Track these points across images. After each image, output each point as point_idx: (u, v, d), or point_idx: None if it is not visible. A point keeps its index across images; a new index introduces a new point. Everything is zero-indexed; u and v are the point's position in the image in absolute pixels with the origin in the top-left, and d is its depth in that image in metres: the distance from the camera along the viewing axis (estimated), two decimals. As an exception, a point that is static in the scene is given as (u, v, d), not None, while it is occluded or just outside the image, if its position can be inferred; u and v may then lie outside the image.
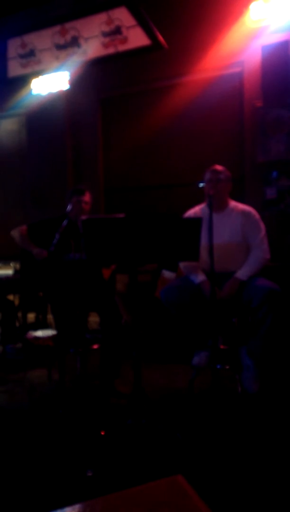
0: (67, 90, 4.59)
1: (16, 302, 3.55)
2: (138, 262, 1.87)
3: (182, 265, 2.56)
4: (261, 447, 1.80)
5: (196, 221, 1.80)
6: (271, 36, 3.60)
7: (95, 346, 2.69)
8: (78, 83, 4.56)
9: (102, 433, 1.90)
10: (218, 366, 2.46)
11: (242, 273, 2.35)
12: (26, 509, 1.42)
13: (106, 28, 3.99)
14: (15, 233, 2.66)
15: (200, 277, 2.39)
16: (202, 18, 4.02)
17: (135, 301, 2.03)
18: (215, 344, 2.26)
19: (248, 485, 1.52)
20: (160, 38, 3.89)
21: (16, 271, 4.01)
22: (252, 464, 1.67)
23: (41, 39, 4.29)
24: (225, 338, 2.63)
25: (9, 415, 2.14)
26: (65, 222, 2.54)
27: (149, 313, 3.18)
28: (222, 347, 2.59)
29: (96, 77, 4.59)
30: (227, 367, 2.49)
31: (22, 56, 4.45)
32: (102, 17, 3.95)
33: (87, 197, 2.66)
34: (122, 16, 3.87)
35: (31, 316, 4.01)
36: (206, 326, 2.41)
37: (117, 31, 3.96)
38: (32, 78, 4.57)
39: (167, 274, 3.37)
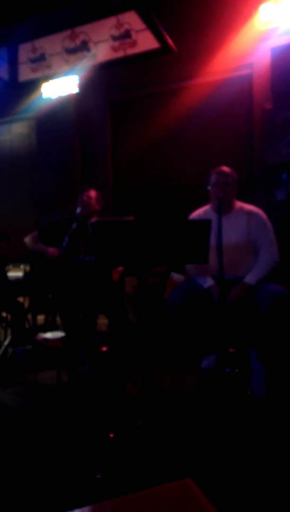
0: (77, 94, 4.63)
1: (26, 304, 3.58)
2: (147, 265, 1.87)
3: (188, 268, 2.53)
4: (270, 452, 1.78)
5: (205, 223, 1.79)
6: (281, 38, 3.58)
7: (104, 349, 2.69)
8: (87, 87, 4.60)
9: (111, 435, 1.90)
10: (227, 370, 2.44)
11: (250, 278, 2.32)
12: (35, 511, 1.43)
13: (115, 32, 4.02)
14: (27, 240, 2.71)
15: (208, 281, 2.37)
16: (211, 20, 4.02)
17: (143, 304, 2.03)
18: (224, 348, 2.25)
19: (257, 490, 1.51)
20: (169, 41, 3.91)
21: (26, 274, 4.05)
22: (261, 468, 1.65)
23: (52, 44, 4.33)
24: (234, 341, 2.61)
25: (19, 416, 2.15)
26: (74, 225, 2.56)
27: (158, 315, 3.17)
28: (231, 350, 2.57)
29: (105, 81, 4.62)
30: (236, 370, 2.47)
31: (32, 61, 4.50)
32: (111, 21, 3.98)
33: (90, 193, 2.71)
34: (131, 20, 3.89)
35: (40, 318, 4.04)
36: (214, 329, 2.39)
37: (127, 34, 3.99)
38: (42, 82, 4.62)
39: (176, 276, 3.37)
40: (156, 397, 2.28)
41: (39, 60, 4.48)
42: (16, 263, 4.58)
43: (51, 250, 2.56)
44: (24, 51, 4.47)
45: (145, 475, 1.60)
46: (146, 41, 3.94)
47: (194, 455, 1.74)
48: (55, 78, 4.55)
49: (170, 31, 4.01)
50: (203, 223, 1.80)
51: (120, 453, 1.76)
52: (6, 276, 3.66)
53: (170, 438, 1.87)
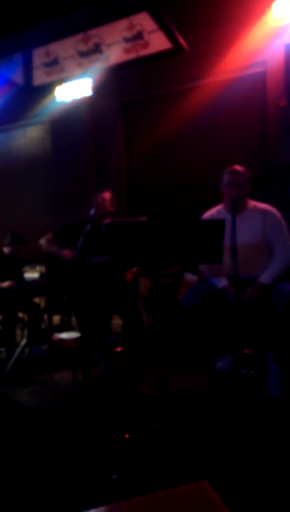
0: (90, 97, 4.67)
1: (42, 304, 3.62)
2: (161, 265, 1.87)
3: (202, 268, 2.52)
4: (287, 455, 1.75)
5: (219, 223, 1.78)
6: (295, 34, 3.53)
7: (119, 349, 2.70)
8: (100, 89, 4.63)
9: (126, 436, 1.90)
10: (243, 371, 2.41)
11: (265, 278, 2.30)
12: (51, 511, 1.44)
13: (127, 34, 4.03)
14: (42, 241, 2.74)
15: (223, 282, 2.35)
16: (223, 18, 4.00)
17: (157, 304, 2.03)
18: (239, 349, 2.23)
19: (273, 493, 1.49)
20: (182, 41, 3.90)
21: (42, 275, 4.10)
22: (278, 471, 1.63)
23: (65, 47, 4.39)
24: (250, 342, 2.58)
25: (36, 416, 2.18)
26: (88, 226, 2.58)
27: (172, 316, 3.17)
28: (246, 351, 2.54)
29: (118, 83, 4.64)
30: (252, 372, 2.44)
31: (46, 65, 4.57)
32: (123, 23, 4.00)
33: (105, 195, 2.70)
34: (144, 21, 3.91)
35: (56, 319, 4.09)
36: (229, 330, 2.37)
37: (139, 36, 4.00)
38: (56, 86, 4.68)
39: (190, 277, 3.35)
40: (171, 398, 2.28)
41: (53, 64, 4.55)
42: (32, 265, 4.64)
43: (66, 252, 2.58)
44: (38, 56, 4.54)
45: (160, 477, 1.60)
46: (158, 42, 3.95)
47: (209, 457, 1.73)
48: (68, 81, 4.60)
49: (182, 30, 4.00)
50: (217, 223, 1.79)
51: (135, 454, 1.77)
52: (22, 277, 3.72)
53: (185, 439, 1.87)
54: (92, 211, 2.69)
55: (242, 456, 1.74)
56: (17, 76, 4.79)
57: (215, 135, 4.32)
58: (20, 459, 1.72)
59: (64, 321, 4.14)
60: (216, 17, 4.03)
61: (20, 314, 3.38)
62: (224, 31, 4.00)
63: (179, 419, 2.09)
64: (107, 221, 2.42)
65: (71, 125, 4.99)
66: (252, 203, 2.47)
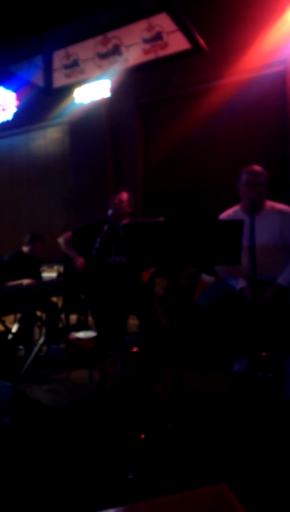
0: (108, 98, 4.70)
1: (60, 304, 3.67)
2: (178, 266, 1.86)
3: (219, 269, 2.49)
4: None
5: (237, 223, 1.76)
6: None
7: (135, 349, 2.71)
8: (118, 91, 4.66)
9: (142, 436, 1.90)
10: (260, 374, 2.38)
11: (283, 279, 2.26)
12: (68, 510, 1.46)
13: (147, 35, 4.04)
14: (61, 240, 2.78)
15: (241, 283, 2.33)
16: (242, 18, 3.96)
17: (174, 305, 2.03)
18: (257, 351, 2.20)
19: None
20: (201, 41, 3.88)
21: (59, 274, 4.15)
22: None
23: (84, 49, 4.43)
24: (268, 345, 2.55)
25: (53, 414, 2.21)
26: (106, 226, 2.59)
27: (188, 317, 3.15)
28: (264, 354, 2.51)
29: (136, 84, 4.66)
30: (270, 375, 2.40)
31: (66, 67, 4.63)
32: (143, 24, 4.01)
33: (123, 195, 2.73)
34: (163, 22, 3.91)
35: (73, 318, 4.13)
36: (247, 332, 2.34)
37: (158, 37, 4.00)
38: (75, 88, 4.73)
39: (206, 278, 3.33)
40: (187, 399, 2.26)
41: (73, 66, 4.60)
42: (50, 264, 4.71)
43: (79, 261, 2.62)
44: (58, 58, 4.60)
45: (176, 478, 1.59)
46: (177, 42, 3.94)
47: (226, 460, 1.71)
48: (87, 83, 4.65)
49: (201, 30, 3.99)
50: (236, 224, 1.77)
51: (151, 455, 1.77)
52: (40, 277, 3.77)
53: (201, 441, 1.85)
54: (109, 212, 2.71)
55: (259, 460, 1.71)
56: (37, 78, 4.86)
57: (233, 135, 4.28)
58: (38, 457, 1.74)
59: (81, 321, 4.18)
60: (235, 16, 4.00)
61: (38, 313, 3.43)
62: (243, 30, 3.97)
63: (195, 421, 2.07)
64: (124, 221, 2.43)
65: (89, 127, 5.04)
66: (269, 203, 2.43)
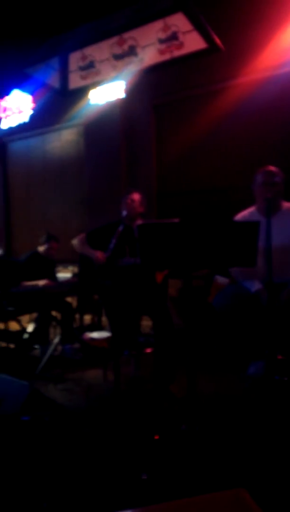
0: (123, 99, 4.72)
1: (74, 304, 3.70)
2: (193, 267, 1.85)
3: (234, 271, 2.47)
4: None
5: (253, 225, 1.74)
6: None
7: (148, 350, 2.71)
8: (132, 91, 4.67)
9: (156, 437, 1.90)
10: (276, 378, 2.35)
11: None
12: (84, 510, 1.46)
13: (162, 35, 4.04)
14: (75, 242, 2.80)
15: (256, 285, 2.30)
16: (258, 17, 3.92)
17: (188, 306, 2.02)
18: (272, 354, 2.17)
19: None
20: (217, 40, 3.86)
21: (74, 275, 4.19)
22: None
23: (100, 51, 4.46)
24: (283, 348, 2.51)
25: (68, 413, 2.23)
26: (120, 227, 2.60)
27: (202, 318, 3.13)
28: (279, 357, 2.47)
29: (150, 84, 4.66)
30: (286, 379, 2.36)
31: (82, 69, 4.67)
32: (158, 24, 4.02)
33: (134, 196, 2.74)
34: (179, 22, 3.90)
35: (87, 318, 4.16)
36: (262, 335, 2.31)
37: (173, 37, 4.00)
38: (91, 89, 4.77)
39: (221, 279, 3.31)
40: (201, 401, 2.25)
41: (88, 67, 4.64)
42: (64, 265, 4.75)
43: (98, 254, 2.62)
44: (74, 60, 4.64)
45: (190, 480, 1.59)
46: (193, 42, 3.93)
47: (240, 463, 1.69)
48: (103, 84, 4.68)
49: (216, 29, 3.96)
50: (252, 225, 1.75)
51: (165, 456, 1.76)
52: (56, 277, 3.81)
53: (215, 444, 1.84)
54: (124, 213, 2.72)
55: (275, 464, 1.69)
56: (53, 80, 4.92)
57: (248, 135, 4.23)
58: (56, 457, 1.76)
59: (95, 321, 4.21)
60: (251, 15, 3.96)
61: (53, 313, 3.47)
62: (259, 29, 3.92)
63: (209, 423, 2.06)
64: (138, 222, 2.43)
65: (104, 128, 5.06)
66: (286, 204, 2.40)
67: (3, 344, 3.52)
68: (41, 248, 3.65)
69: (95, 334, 3.75)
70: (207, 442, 1.84)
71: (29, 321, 3.76)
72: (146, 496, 1.50)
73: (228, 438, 1.90)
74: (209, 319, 3.05)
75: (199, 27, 3.75)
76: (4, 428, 1.65)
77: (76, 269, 4.55)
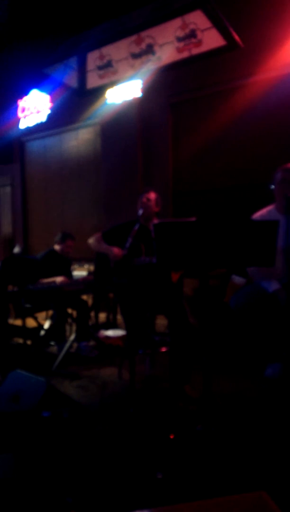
0: (139, 98, 4.71)
1: (89, 302, 3.72)
2: (210, 267, 1.84)
3: (251, 270, 2.44)
4: None
5: (273, 224, 1.71)
6: None
7: (163, 349, 2.70)
8: (149, 90, 4.66)
9: (171, 437, 1.89)
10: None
11: None
12: (98, 509, 1.47)
13: (180, 33, 4.02)
14: (91, 241, 2.82)
15: (274, 285, 2.26)
16: (276, 13, 3.86)
17: (204, 306, 2.00)
18: (289, 356, 2.13)
19: None
20: (236, 37, 3.82)
21: (90, 273, 4.21)
22: None
23: (118, 50, 4.47)
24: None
25: (84, 410, 2.24)
26: (136, 226, 2.60)
27: (218, 318, 3.10)
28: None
29: (167, 83, 4.64)
30: (304, 381, 2.32)
31: (100, 68, 4.69)
32: (176, 22, 4.00)
33: (150, 195, 2.73)
34: (197, 19, 3.88)
35: (102, 316, 4.18)
36: (280, 336, 2.28)
37: (192, 34, 3.97)
38: (108, 88, 4.78)
39: (237, 279, 3.27)
40: (216, 401, 2.23)
41: (106, 66, 4.65)
42: (80, 263, 4.79)
43: (115, 250, 2.63)
44: (92, 59, 4.67)
45: (205, 480, 1.57)
46: (211, 40, 3.89)
47: (256, 465, 1.67)
48: (120, 83, 4.69)
49: (235, 26, 3.92)
50: (271, 224, 1.72)
51: (180, 456, 1.75)
52: (72, 275, 3.84)
53: (231, 445, 1.82)
54: (140, 212, 2.72)
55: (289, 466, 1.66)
56: (71, 80, 4.96)
57: (266, 132, 4.17)
58: (75, 453, 1.77)
59: (110, 319, 4.22)
60: (269, 12, 3.90)
61: (69, 310, 3.50)
62: (277, 26, 3.86)
63: (225, 424, 2.04)
64: (154, 221, 2.42)
65: (121, 127, 5.07)
66: None
67: (21, 341, 3.58)
68: (57, 247, 3.68)
69: (110, 332, 3.77)
70: (223, 443, 1.82)
71: (46, 318, 3.81)
72: (161, 495, 1.49)
73: (244, 440, 1.88)
74: (225, 319, 3.02)
75: (218, 24, 3.72)
76: (24, 423, 1.68)
77: (92, 267, 4.58)
